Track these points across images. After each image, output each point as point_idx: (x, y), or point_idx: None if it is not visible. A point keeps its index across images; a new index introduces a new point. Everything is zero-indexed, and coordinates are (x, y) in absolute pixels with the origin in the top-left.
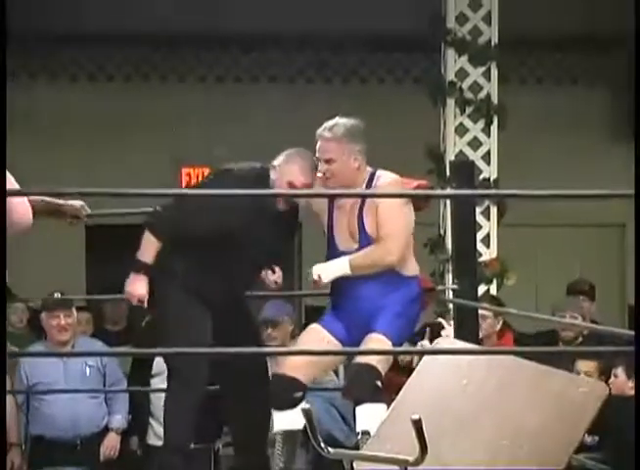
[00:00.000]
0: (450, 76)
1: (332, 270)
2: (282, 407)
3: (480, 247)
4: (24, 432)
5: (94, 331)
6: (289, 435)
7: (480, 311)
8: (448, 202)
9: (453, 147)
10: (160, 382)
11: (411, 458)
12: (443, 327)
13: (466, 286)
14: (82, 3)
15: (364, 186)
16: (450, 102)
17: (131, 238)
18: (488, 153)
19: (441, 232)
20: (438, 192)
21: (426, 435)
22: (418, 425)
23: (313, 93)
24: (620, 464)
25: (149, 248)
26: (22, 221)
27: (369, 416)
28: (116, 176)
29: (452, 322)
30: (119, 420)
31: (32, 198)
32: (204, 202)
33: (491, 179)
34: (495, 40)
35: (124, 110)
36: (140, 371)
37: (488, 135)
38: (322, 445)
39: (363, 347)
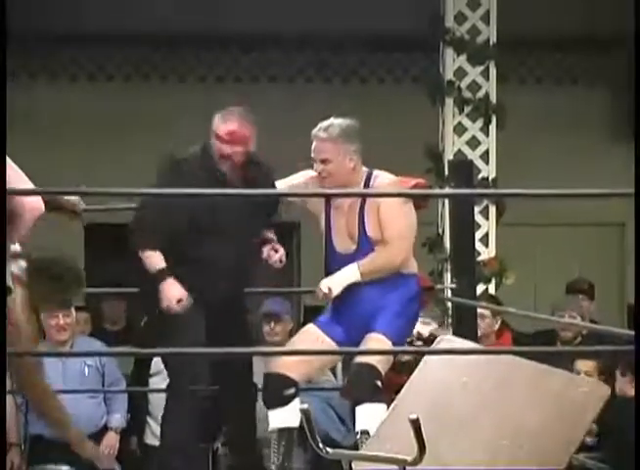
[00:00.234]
0: (449, 76)
1: (341, 280)
2: (273, 405)
3: (478, 246)
4: (24, 432)
5: (93, 330)
6: (284, 433)
7: (479, 311)
8: (447, 201)
9: (452, 146)
10: (158, 381)
11: (409, 458)
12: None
13: (464, 285)
14: (82, 3)
15: (361, 186)
16: (449, 101)
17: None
18: (487, 152)
19: (440, 231)
20: (437, 191)
21: (424, 434)
22: (416, 425)
23: (313, 93)
24: (620, 464)
25: (152, 256)
26: (35, 208)
27: (369, 416)
28: (116, 176)
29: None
30: (118, 419)
31: None
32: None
33: (490, 178)
34: (494, 39)
35: (124, 110)
36: (140, 371)
37: (487, 134)
38: (320, 445)
39: (363, 347)
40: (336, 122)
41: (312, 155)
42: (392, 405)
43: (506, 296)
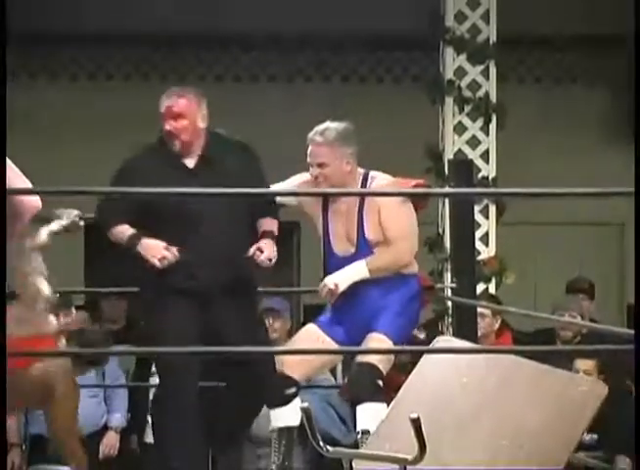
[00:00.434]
0: (449, 75)
1: (347, 277)
2: (274, 404)
3: (478, 245)
4: (24, 431)
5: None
6: (284, 432)
7: (480, 310)
8: (447, 200)
9: (452, 146)
10: None
11: (410, 457)
12: None
13: (465, 285)
14: (82, 3)
15: (358, 188)
16: (449, 100)
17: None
18: (487, 151)
19: (440, 231)
20: (437, 190)
21: (425, 433)
22: (416, 424)
23: (312, 92)
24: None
25: (120, 229)
26: (33, 206)
27: (370, 416)
28: None
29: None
30: (118, 418)
31: None
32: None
33: (490, 178)
34: (494, 39)
35: (124, 109)
36: (141, 370)
37: (487, 134)
38: (321, 443)
39: (364, 347)
40: (332, 126)
41: (308, 159)
42: (392, 404)
43: (506, 295)
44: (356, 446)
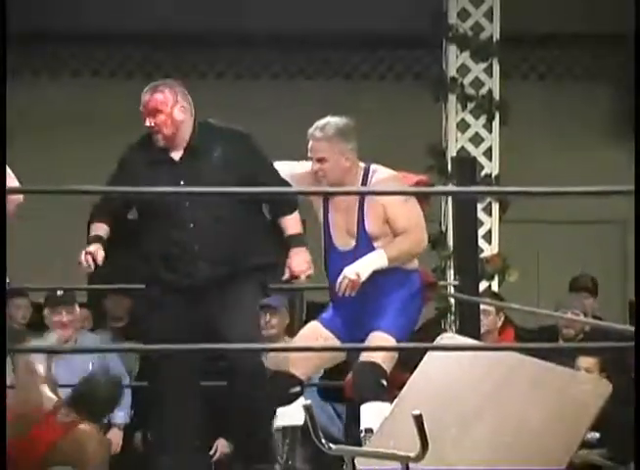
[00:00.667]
0: (452, 72)
1: (367, 265)
2: (279, 403)
3: (481, 243)
4: None
5: (95, 327)
6: (288, 431)
7: (483, 307)
8: (450, 198)
9: (455, 143)
10: None
11: (412, 454)
12: None
13: (467, 282)
14: (83, 1)
15: (359, 183)
16: (452, 98)
17: (132, 233)
18: (490, 149)
19: (443, 228)
20: (440, 188)
21: (427, 431)
22: (419, 421)
23: (314, 90)
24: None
25: (94, 228)
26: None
27: (374, 414)
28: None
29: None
30: (122, 416)
31: None
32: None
33: (493, 175)
34: (497, 36)
35: (126, 107)
36: (146, 369)
37: (490, 131)
38: (323, 441)
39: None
40: (332, 121)
41: (309, 154)
42: (395, 402)
43: (509, 293)
44: (359, 444)
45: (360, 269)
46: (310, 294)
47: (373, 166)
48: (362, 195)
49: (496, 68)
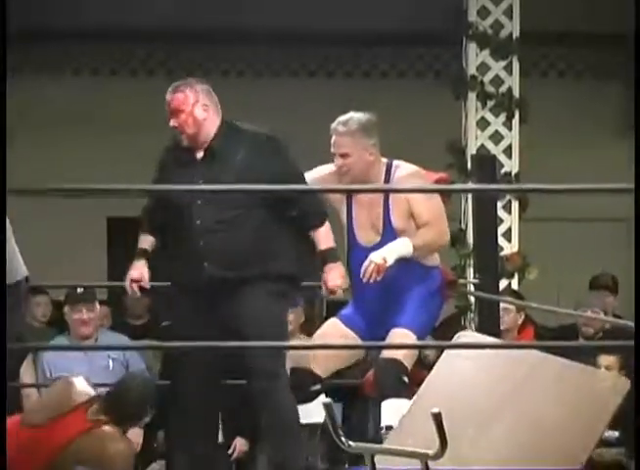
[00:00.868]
0: (472, 70)
1: (393, 250)
2: (299, 401)
3: (501, 241)
4: None
5: (114, 324)
6: (308, 428)
7: (504, 305)
8: (470, 196)
9: (475, 141)
10: None
11: (431, 452)
12: None
13: (487, 280)
14: None
15: (382, 178)
16: (472, 96)
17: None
18: (510, 147)
19: (463, 226)
20: (460, 186)
21: (446, 429)
22: (438, 419)
23: (334, 87)
24: None
25: (141, 240)
26: None
27: (394, 412)
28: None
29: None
30: None
31: None
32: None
33: (513, 173)
34: (517, 34)
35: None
36: (168, 366)
37: (510, 129)
38: (343, 438)
39: (388, 342)
40: (355, 116)
41: (332, 149)
42: (414, 399)
43: (528, 291)
44: (380, 441)
45: (387, 254)
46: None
47: (395, 162)
48: (384, 192)
49: (516, 65)
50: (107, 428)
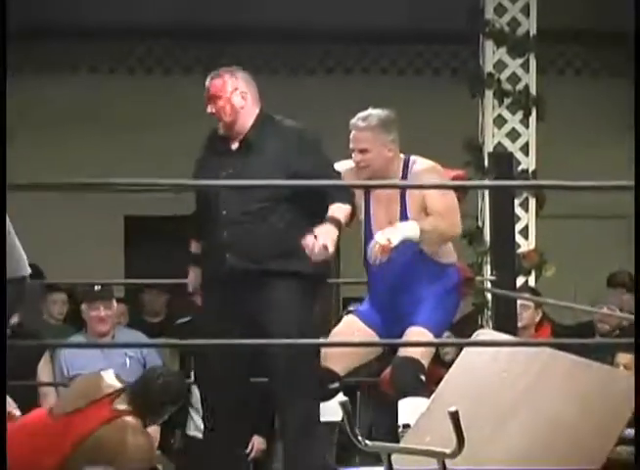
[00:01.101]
0: (488, 68)
1: (397, 231)
2: (318, 399)
3: (518, 238)
4: None
5: (131, 322)
6: (327, 427)
7: (521, 302)
8: (487, 193)
9: (492, 139)
10: None
11: (448, 451)
12: None
13: (504, 277)
14: None
15: (399, 175)
16: (489, 93)
17: (169, 229)
18: (527, 144)
19: (480, 224)
20: (477, 183)
21: (463, 427)
22: (455, 417)
23: (351, 84)
24: None
25: (193, 244)
26: None
27: (412, 410)
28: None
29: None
30: None
31: None
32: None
33: (530, 171)
34: (534, 31)
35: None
36: (186, 364)
37: (527, 127)
38: (359, 437)
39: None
40: (374, 112)
41: (351, 145)
42: (432, 398)
43: (546, 288)
44: (398, 440)
45: (391, 235)
46: (346, 290)
47: (413, 157)
48: (402, 188)
49: (533, 63)
50: (129, 419)
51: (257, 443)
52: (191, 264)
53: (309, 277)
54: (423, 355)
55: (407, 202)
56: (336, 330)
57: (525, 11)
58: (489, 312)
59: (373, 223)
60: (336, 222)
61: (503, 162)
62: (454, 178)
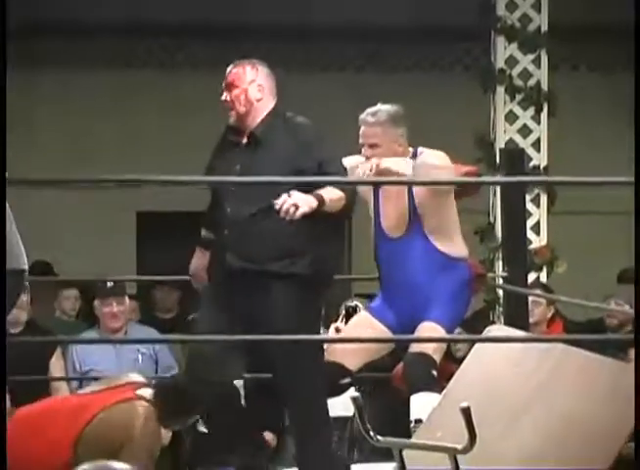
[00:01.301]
0: (500, 64)
1: (392, 162)
2: (329, 394)
3: (529, 235)
4: None
5: (143, 318)
6: (338, 422)
7: (533, 298)
8: (498, 189)
9: (503, 135)
10: None
11: (459, 446)
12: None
13: (516, 274)
14: None
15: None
16: (500, 89)
17: (181, 225)
18: (538, 140)
19: (491, 220)
20: (488, 179)
21: (475, 423)
22: (467, 413)
23: (363, 82)
24: None
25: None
26: None
27: (424, 405)
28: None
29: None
30: None
31: None
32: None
33: (541, 167)
34: (545, 27)
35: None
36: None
37: (538, 122)
38: (371, 433)
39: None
40: (383, 108)
41: (360, 140)
42: (443, 393)
43: (557, 284)
44: (410, 435)
45: (384, 162)
46: (357, 286)
47: (420, 149)
48: (409, 185)
49: (544, 59)
50: (146, 404)
51: (268, 438)
52: (197, 246)
53: (310, 279)
54: (435, 351)
55: (414, 193)
56: (349, 325)
57: (537, 7)
58: (501, 309)
59: (382, 219)
60: (317, 196)
61: (515, 158)
62: (466, 174)
